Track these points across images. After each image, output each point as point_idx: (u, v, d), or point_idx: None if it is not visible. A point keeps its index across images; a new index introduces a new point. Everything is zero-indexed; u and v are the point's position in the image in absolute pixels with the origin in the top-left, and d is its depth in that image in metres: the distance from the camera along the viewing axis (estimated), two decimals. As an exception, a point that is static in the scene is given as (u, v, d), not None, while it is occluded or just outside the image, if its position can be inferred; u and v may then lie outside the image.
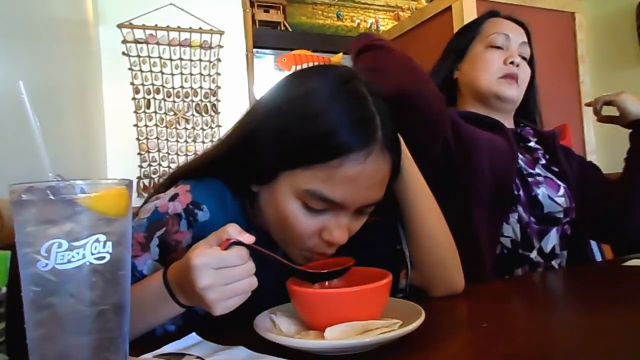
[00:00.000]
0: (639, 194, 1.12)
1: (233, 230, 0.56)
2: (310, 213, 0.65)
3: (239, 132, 0.73)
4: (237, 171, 0.71)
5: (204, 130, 2.69)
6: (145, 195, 0.81)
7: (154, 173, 2.59)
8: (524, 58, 1.19)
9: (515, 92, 1.16)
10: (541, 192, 1.08)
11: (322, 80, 0.66)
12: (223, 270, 0.54)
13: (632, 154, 1.17)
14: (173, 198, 0.70)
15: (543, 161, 1.16)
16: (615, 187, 1.16)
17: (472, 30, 1.23)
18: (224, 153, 0.74)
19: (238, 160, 0.70)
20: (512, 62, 1.14)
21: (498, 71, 1.15)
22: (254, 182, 0.70)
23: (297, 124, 0.64)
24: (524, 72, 1.18)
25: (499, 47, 1.16)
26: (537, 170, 1.13)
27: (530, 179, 1.10)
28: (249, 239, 0.56)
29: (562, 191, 1.10)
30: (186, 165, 0.80)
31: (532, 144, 1.20)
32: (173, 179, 0.77)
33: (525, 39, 1.20)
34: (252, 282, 0.55)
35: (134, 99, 2.58)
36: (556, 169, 1.15)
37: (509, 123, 1.20)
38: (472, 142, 1.07)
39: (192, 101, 2.69)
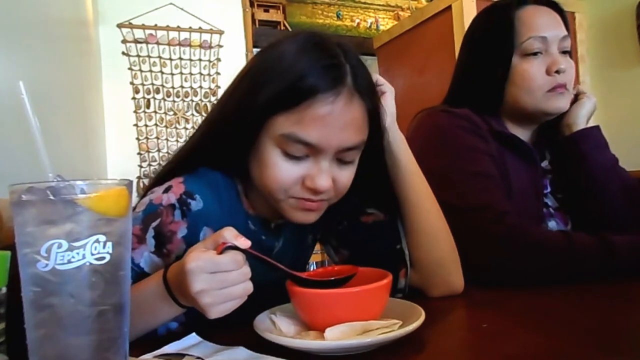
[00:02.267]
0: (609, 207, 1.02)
1: (229, 234, 0.56)
2: (290, 160, 0.67)
3: (218, 108, 0.76)
4: (224, 150, 0.72)
5: (203, 130, 2.69)
6: (145, 194, 0.82)
7: (154, 173, 2.59)
8: (565, 52, 1.02)
9: (566, 102, 1.01)
10: (551, 225, 1.04)
11: (293, 40, 0.69)
12: (218, 274, 0.53)
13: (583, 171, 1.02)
14: (167, 190, 0.71)
15: (549, 188, 1.08)
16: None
17: (505, 35, 1.01)
18: (209, 133, 0.75)
19: (222, 137, 0.72)
20: (557, 71, 0.98)
21: (542, 86, 0.99)
22: (242, 153, 0.72)
23: (268, 80, 0.66)
24: (571, 74, 1.01)
25: (537, 53, 0.99)
26: (549, 202, 1.06)
27: (544, 210, 1.05)
28: (244, 242, 0.56)
29: (570, 225, 1.05)
30: (172, 160, 0.80)
31: (545, 163, 1.09)
32: (162, 176, 0.77)
33: (565, 30, 1.01)
34: (248, 287, 0.55)
35: (133, 98, 2.59)
36: (559, 195, 1.07)
37: (535, 133, 1.10)
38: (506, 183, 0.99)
39: (192, 101, 2.69)
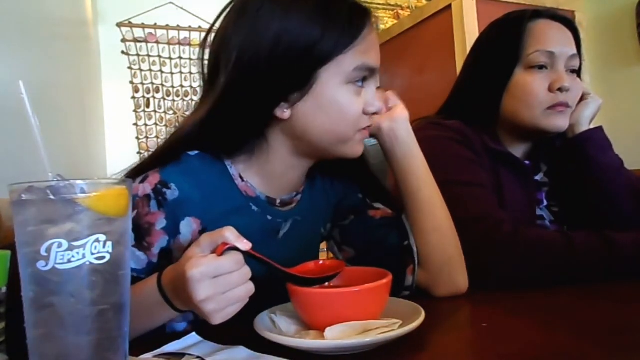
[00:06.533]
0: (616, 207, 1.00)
1: (231, 235, 0.55)
2: (356, 93, 0.70)
3: (247, 67, 0.69)
4: (233, 124, 0.69)
5: (203, 129, 2.69)
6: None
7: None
8: (573, 71, 0.99)
9: (566, 122, 0.98)
10: None
11: None
12: (220, 278, 0.53)
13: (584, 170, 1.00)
14: (143, 180, 0.70)
15: (545, 202, 1.06)
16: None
17: (511, 46, 0.99)
18: (219, 107, 0.69)
19: (256, 86, 0.67)
20: (560, 89, 0.95)
21: (543, 102, 0.96)
22: (287, 94, 0.67)
23: (325, 24, 0.67)
24: (576, 92, 0.99)
25: (542, 67, 0.96)
26: (545, 216, 1.05)
27: (538, 222, 1.04)
28: (246, 245, 0.55)
29: None
30: (158, 149, 0.75)
31: (539, 176, 1.08)
32: (146, 165, 0.73)
33: (575, 49, 0.99)
34: (250, 288, 0.55)
35: (133, 97, 2.59)
36: (555, 209, 1.06)
37: (530, 145, 1.08)
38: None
39: (192, 100, 2.69)
